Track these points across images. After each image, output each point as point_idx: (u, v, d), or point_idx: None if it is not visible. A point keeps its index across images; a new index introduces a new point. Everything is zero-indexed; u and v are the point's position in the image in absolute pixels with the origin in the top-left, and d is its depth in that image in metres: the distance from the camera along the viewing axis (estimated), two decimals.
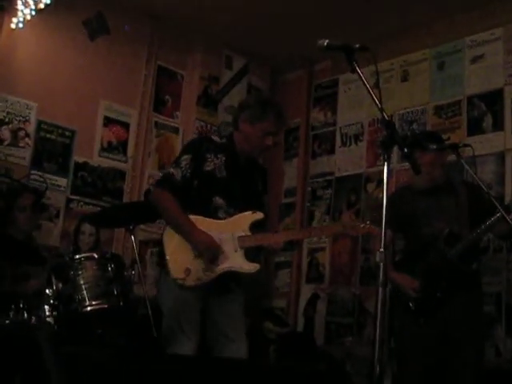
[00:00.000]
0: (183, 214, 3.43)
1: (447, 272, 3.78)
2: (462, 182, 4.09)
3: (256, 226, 3.50)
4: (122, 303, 3.69)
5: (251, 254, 3.47)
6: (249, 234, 3.44)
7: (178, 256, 3.40)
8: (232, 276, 3.46)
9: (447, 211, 3.89)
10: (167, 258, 3.41)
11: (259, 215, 3.49)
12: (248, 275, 3.48)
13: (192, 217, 3.43)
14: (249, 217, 3.48)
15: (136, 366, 2.32)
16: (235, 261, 3.40)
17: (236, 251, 3.40)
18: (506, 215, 3.37)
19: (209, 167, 3.48)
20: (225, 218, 3.47)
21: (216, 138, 3.63)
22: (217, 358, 3.23)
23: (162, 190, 3.50)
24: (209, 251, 3.35)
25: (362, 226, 3.48)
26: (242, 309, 3.58)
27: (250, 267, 3.42)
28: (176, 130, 6.17)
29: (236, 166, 3.56)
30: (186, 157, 3.50)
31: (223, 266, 3.38)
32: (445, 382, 3.80)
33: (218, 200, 3.47)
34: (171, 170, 3.51)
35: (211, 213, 3.45)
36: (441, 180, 3.98)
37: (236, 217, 3.47)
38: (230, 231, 3.43)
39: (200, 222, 3.42)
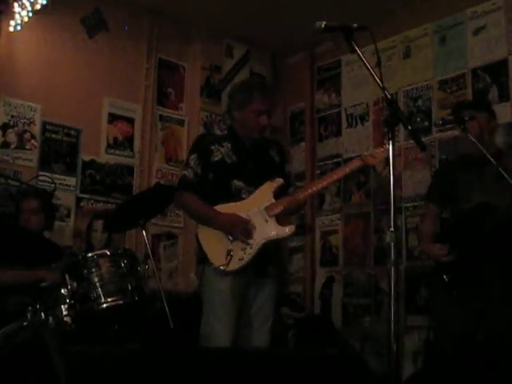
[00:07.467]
0: (204, 205, 3.50)
1: (484, 244, 3.67)
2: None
3: (281, 195, 3.54)
4: (137, 298, 3.71)
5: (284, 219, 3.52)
6: (273, 201, 3.49)
7: (216, 247, 3.44)
8: (269, 258, 3.52)
9: (487, 183, 3.74)
10: (206, 252, 3.46)
11: (278, 181, 3.55)
12: (287, 239, 3.62)
13: (216, 207, 3.49)
14: (269, 186, 3.53)
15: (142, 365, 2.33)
16: (270, 230, 3.44)
17: (267, 221, 3.45)
18: None
19: (217, 157, 3.56)
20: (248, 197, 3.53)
21: (217, 132, 3.73)
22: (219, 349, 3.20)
23: (180, 191, 3.62)
24: (239, 228, 3.39)
25: (379, 151, 3.52)
26: (274, 296, 3.59)
27: (286, 231, 3.47)
28: (181, 122, 6.16)
29: (244, 150, 3.62)
30: (192, 156, 3.60)
31: (260, 239, 3.42)
32: (480, 355, 3.71)
33: (237, 183, 3.53)
34: (183, 172, 3.62)
35: (234, 196, 3.52)
36: (491, 148, 3.74)
37: (257, 191, 3.52)
38: (256, 205, 3.47)
39: (224, 208, 3.48)
